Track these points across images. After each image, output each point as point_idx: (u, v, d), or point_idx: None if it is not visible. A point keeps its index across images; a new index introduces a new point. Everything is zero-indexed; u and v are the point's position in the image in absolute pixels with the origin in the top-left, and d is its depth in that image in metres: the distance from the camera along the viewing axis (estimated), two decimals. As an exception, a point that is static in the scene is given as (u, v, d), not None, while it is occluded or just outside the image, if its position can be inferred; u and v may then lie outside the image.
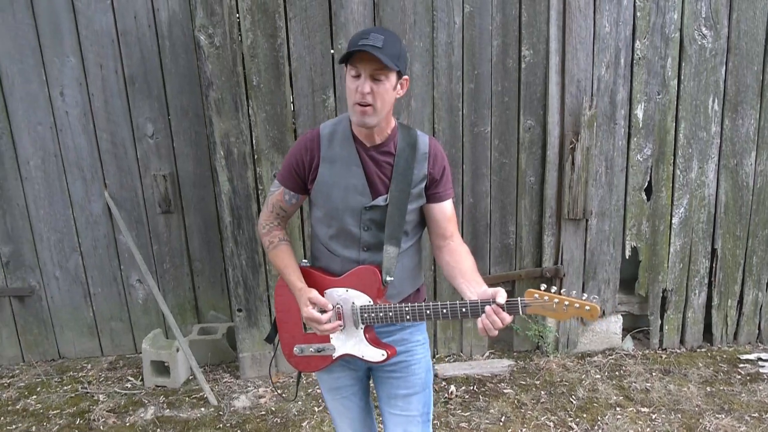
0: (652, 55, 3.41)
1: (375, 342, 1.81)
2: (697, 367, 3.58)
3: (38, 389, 3.58)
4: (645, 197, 3.59)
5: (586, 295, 1.59)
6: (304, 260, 1.91)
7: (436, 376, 3.55)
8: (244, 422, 3.20)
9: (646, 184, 3.58)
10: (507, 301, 1.59)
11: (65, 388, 3.58)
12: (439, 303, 1.68)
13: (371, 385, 2.04)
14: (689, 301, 3.73)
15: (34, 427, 3.21)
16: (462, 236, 3.46)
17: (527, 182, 3.55)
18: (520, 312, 1.60)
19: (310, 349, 1.87)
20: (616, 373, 3.54)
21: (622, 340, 3.81)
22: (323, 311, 1.76)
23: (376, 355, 1.80)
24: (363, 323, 1.78)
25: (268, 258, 1.87)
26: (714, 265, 3.71)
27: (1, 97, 3.52)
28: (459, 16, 3.27)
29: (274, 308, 1.94)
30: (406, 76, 1.71)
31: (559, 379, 3.48)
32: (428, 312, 1.70)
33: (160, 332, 3.70)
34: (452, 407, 3.26)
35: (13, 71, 3.49)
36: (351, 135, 1.77)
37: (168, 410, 3.33)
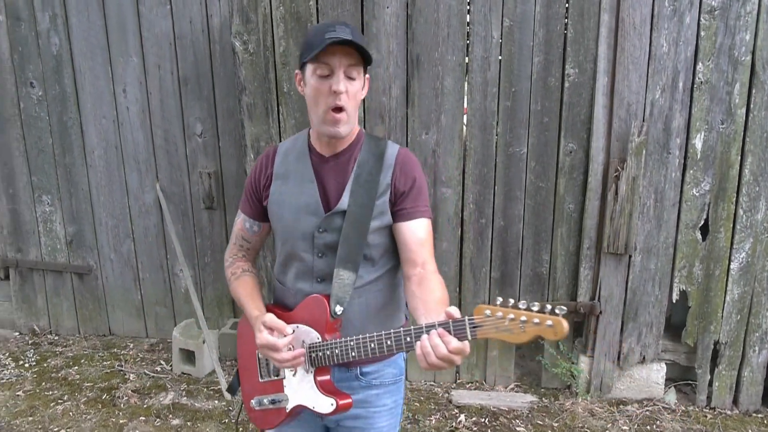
0: (716, 79, 3.05)
1: (326, 389, 1.52)
2: (745, 433, 3.17)
3: (82, 361, 3.87)
4: (699, 237, 3.22)
5: (549, 306, 1.15)
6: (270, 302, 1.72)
7: (449, 402, 3.41)
8: (249, 420, 3.26)
9: (702, 222, 3.21)
10: (455, 321, 1.24)
11: (105, 363, 3.85)
12: (383, 333, 1.37)
13: None
14: (746, 357, 3.30)
15: (66, 396, 3.48)
16: (491, 261, 3.37)
17: (565, 209, 3.32)
18: (469, 336, 1.22)
19: (265, 400, 1.61)
20: (648, 427, 3.20)
21: (665, 391, 3.45)
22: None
23: (325, 404, 1.50)
24: (312, 365, 1.50)
25: (230, 289, 1.68)
26: (781, 321, 3.26)
27: (74, 90, 3.85)
28: (497, 30, 3.12)
29: (237, 353, 1.74)
30: (368, 75, 1.53)
31: (580, 425, 3.22)
32: (372, 345, 1.38)
33: (193, 322, 3.88)
34: (455, 437, 3.13)
35: (85, 68, 3.81)
36: (308, 148, 1.56)
37: (185, 398, 3.48)
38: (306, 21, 3.11)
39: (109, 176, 3.96)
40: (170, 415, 3.30)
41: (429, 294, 1.46)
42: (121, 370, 3.76)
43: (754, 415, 3.34)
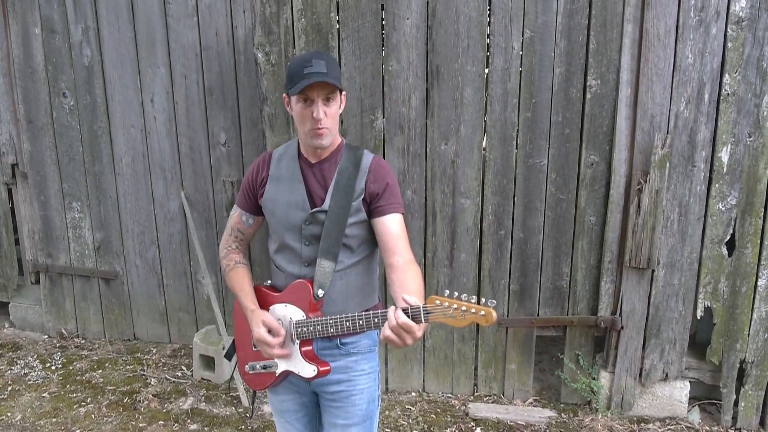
0: (743, 91, 2.98)
1: (310, 357, 1.80)
2: (773, 457, 3.05)
3: (106, 365, 3.95)
4: (725, 252, 3.14)
5: (492, 301, 1.47)
6: (268, 281, 1.95)
7: (466, 415, 3.38)
8: (265, 428, 3.29)
9: (728, 237, 3.13)
10: (411, 306, 1.51)
11: (128, 367, 3.92)
12: (356, 315, 1.67)
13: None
14: (775, 378, 3.20)
15: (89, 398, 3.56)
16: (510, 273, 3.34)
17: (586, 222, 3.27)
18: (422, 319, 1.49)
19: (257, 365, 1.90)
20: (670, 446, 3.13)
21: (688, 410, 3.36)
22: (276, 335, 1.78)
23: (309, 370, 1.79)
24: (298, 338, 1.79)
25: (225, 281, 1.94)
26: (812, 341, 3.14)
27: (104, 100, 3.96)
28: (518, 41, 3.11)
29: (234, 327, 2.01)
30: (344, 92, 1.81)
31: (600, 442, 3.16)
32: (347, 324, 1.68)
33: (214, 328, 3.93)
34: (471, 451, 3.09)
35: (115, 78, 3.92)
36: (297, 154, 1.85)
37: (204, 404, 3.52)
38: (327, 32, 3.15)
39: (135, 184, 4.05)
40: (188, 420, 3.34)
41: (407, 283, 1.71)
42: (143, 375, 3.82)
43: (783, 437, 3.23)
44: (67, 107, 4.02)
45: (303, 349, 1.80)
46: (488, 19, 3.11)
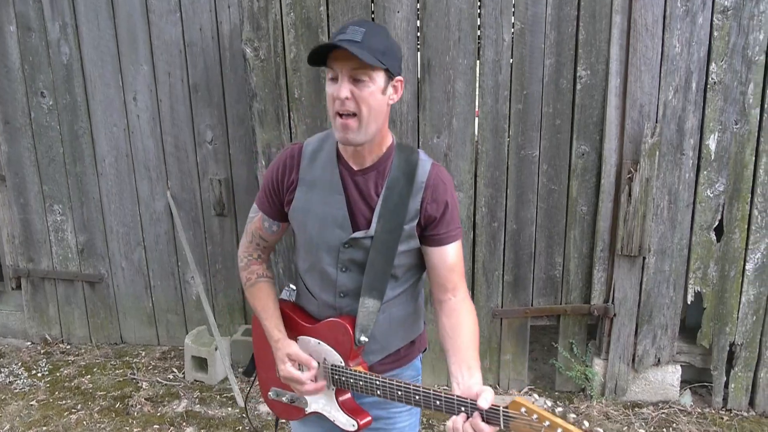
0: (730, 79, 3.04)
1: (348, 408, 1.55)
2: (764, 435, 3.14)
3: (94, 369, 3.87)
4: (714, 238, 3.20)
5: (587, 423, 1.26)
6: (291, 285, 1.70)
7: (464, 406, 3.39)
8: (263, 427, 3.26)
9: (717, 223, 3.19)
10: (490, 408, 1.25)
11: (117, 372, 3.85)
12: (411, 386, 1.39)
13: None
14: (763, 359, 3.27)
15: (80, 405, 3.48)
16: (503, 265, 3.36)
17: (578, 212, 3.30)
18: (501, 426, 1.25)
19: (284, 397, 1.65)
20: (664, 429, 3.18)
21: (680, 393, 3.43)
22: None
23: (347, 423, 1.54)
24: (334, 385, 1.53)
25: (246, 296, 1.66)
26: (798, 322, 3.23)
27: (84, 99, 3.86)
28: (508, 33, 3.12)
29: (253, 342, 1.76)
30: (400, 78, 1.43)
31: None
32: (399, 393, 1.40)
33: (205, 329, 3.87)
34: (471, 442, 3.10)
35: (95, 76, 3.82)
36: (336, 155, 1.49)
37: (198, 406, 3.47)
38: (317, 27, 3.11)
39: (119, 184, 3.96)
40: (184, 423, 3.30)
41: (460, 335, 1.47)
42: (134, 379, 3.75)
43: (772, 416, 3.32)
44: (45, 107, 3.91)
45: (340, 399, 1.54)
46: (479, 11, 3.11)
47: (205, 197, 3.90)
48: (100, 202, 4.01)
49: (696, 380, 3.49)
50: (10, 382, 3.74)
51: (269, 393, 1.68)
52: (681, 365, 3.41)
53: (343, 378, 1.49)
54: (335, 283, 1.51)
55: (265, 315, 1.58)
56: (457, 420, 1.28)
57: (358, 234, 1.45)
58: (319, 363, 1.53)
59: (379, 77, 1.35)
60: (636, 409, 3.37)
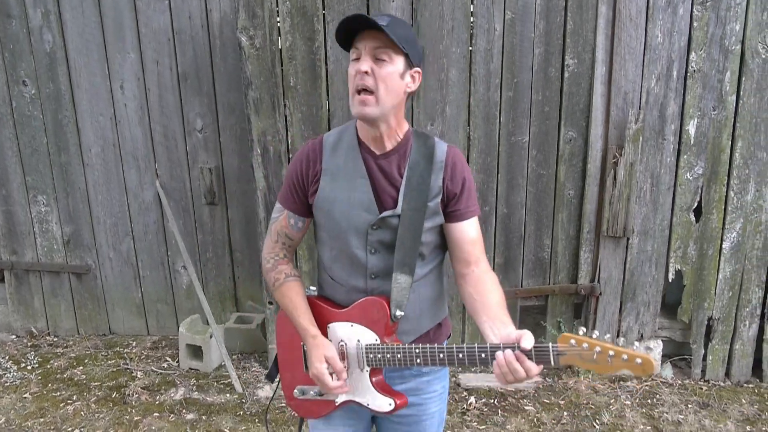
0: (708, 68, 3.20)
1: (383, 388, 1.56)
2: (740, 403, 3.34)
3: (86, 361, 3.84)
4: (693, 219, 3.38)
5: (637, 344, 1.31)
6: (311, 287, 1.71)
7: (458, 385, 3.51)
8: (263, 412, 3.31)
9: (696, 204, 3.36)
10: (535, 346, 1.30)
11: (109, 362, 3.83)
12: (455, 346, 1.42)
13: None
14: (738, 332, 3.48)
15: (75, 396, 3.46)
16: (494, 247, 3.47)
17: (565, 195, 3.43)
18: (552, 362, 1.29)
19: (311, 392, 1.63)
20: (649, 401, 3.36)
21: (661, 366, 3.61)
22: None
23: (383, 404, 1.54)
24: (369, 365, 1.54)
25: (274, 297, 1.68)
26: (769, 296, 3.45)
27: (69, 88, 3.80)
28: (500, 22, 3.21)
29: (276, 343, 1.75)
30: (418, 69, 1.50)
31: (585, 402, 3.36)
32: (441, 356, 1.43)
33: (198, 317, 3.88)
34: (468, 419, 3.22)
35: (80, 65, 3.76)
36: (357, 142, 1.55)
37: (196, 393, 3.50)
38: (312, 15, 3.14)
39: (106, 174, 3.92)
40: (183, 410, 3.32)
41: (487, 296, 1.51)
42: (128, 368, 3.74)
43: (745, 385, 3.53)
44: (28, 96, 3.83)
45: (374, 378, 1.55)
46: (471, 1, 3.19)
47: (195, 186, 3.90)
48: (86, 193, 3.96)
49: (675, 354, 3.68)
50: (-1, 375, 3.69)
51: (294, 392, 1.67)
52: (662, 340, 3.59)
53: (380, 355, 1.50)
54: (365, 265, 1.55)
55: (297, 313, 1.59)
56: (508, 353, 1.32)
57: (386, 213, 1.50)
58: (345, 344, 1.56)
59: (399, 61, 1.43)
60: (621, 382, 3.54)
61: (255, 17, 3.15)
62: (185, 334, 3.72)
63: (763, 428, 3.12)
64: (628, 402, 3.35)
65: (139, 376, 3.66)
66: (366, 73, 1.40)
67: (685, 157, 3.30)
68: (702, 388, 3.48)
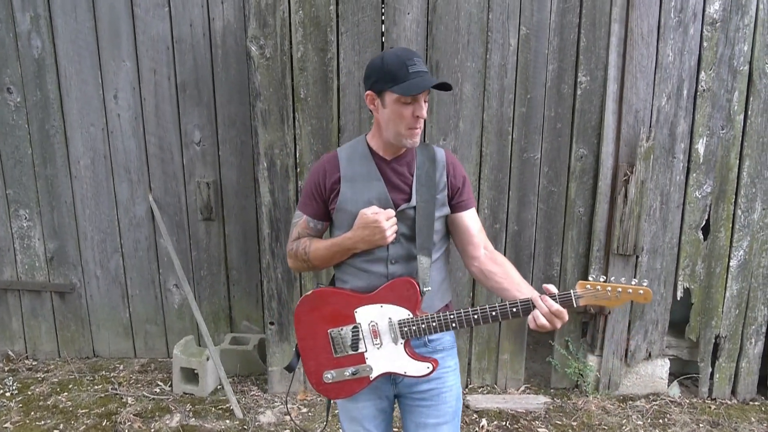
0: (717, 87, 3.23)
1: (416, 356, 1.76)
2: (749, 421, 3.34)
3: (70, 386, 3.61)
4: (701, 237, 3.39)
5: (636, 280, 1.62)
6: (320, 284, 1.89)
7: (467, 407, 3.42)
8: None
9: (704, 222, 3.38)
10: (559, 294, 1.62)
11: (96, 387, 3.60)
12: (487, 306, 1.66)
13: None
14: (744, 349, 3.50)
15: (62, 425, 3.23)
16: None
17: (576, 213, 3.41)
18: (574, 303, 1.61)
19: (345, 373, 1.78)
20: (660, 420, 3.33)
21: (669, 385, 3.60)
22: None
23: (421, 368, 1.75)
24: (403, 338, 1.73)
25: (311, 259, 1.82)
26: (773, 314, 3.47)
27: (57, 96, 3.61)
28: (515, 38, 3.18)
29: (295, 335, 1.88)
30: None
31: (597, 422, 3.30)
32: (476, 317, 1.67)
33: (192, 339, 3.70)
34: (482, 442, 3.13)
35: (71, 72, 3.57)
36: (369, 152, 1.79)
37: (193, 419, 3.30)
38: (326, 26, 3.05)
39: (96, 187, 3.72)
40: (182, 438, 3.13)
41: (505, 268, 1.83)
42: (117, 394, 3.52)
43: (751, 403, 3.54)
44: (12, 104, 3.62)
45: (407, 349, 1.75)
46: (487, 15, 3.15)
47: (191, 201, 3.73)
48: (73, 207, 3.75)
49: (681, 372, 3.68)
50: (-25, 403, 3.42)
51: (325, 376, 1.80)
52: (669, 358, 3.58)
53: (414, 327, 1.71)
54: (387, 254, 1.77)
55: (331, 242, 1.78)
56: (546, 298, 1.62)
57: (404, 206, 1.75)
58: (376, 324, 1.73)
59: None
60: (630, 402, 3.50)
61: (266, 26, 3.04)
62: (180, 357, 3.52)
63: (775, 447, 3.13)
64: (639, 422, 3.31)
65: (130, 402, 3.45)
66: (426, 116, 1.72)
67: (694, 175, 3.32)
68: (710, 407, 3.47)
